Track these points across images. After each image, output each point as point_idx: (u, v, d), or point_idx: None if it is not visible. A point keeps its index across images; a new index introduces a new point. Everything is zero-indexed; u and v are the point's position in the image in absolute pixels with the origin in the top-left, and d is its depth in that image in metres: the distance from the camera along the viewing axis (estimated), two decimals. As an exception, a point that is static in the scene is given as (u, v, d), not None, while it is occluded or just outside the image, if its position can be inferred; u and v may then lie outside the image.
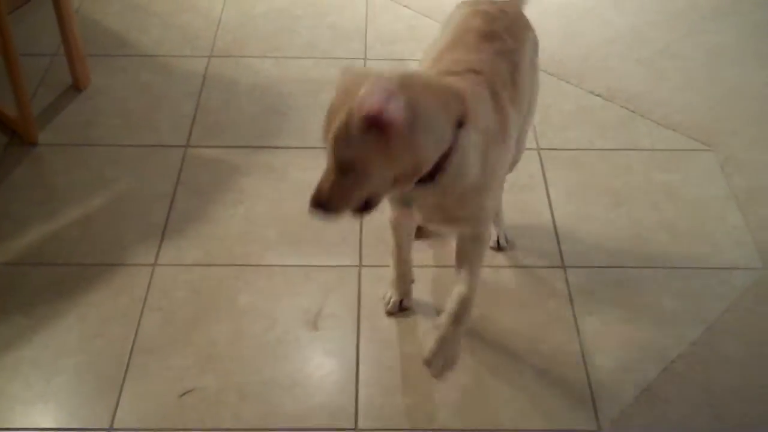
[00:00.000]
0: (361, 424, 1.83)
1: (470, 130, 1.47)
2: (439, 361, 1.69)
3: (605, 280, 2.17)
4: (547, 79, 2.69)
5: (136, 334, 2.00)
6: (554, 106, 2.70)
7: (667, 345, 2.02)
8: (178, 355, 1.96)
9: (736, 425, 1.86)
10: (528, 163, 2.44)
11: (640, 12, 3.16)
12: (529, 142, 2.41)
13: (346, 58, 2.89)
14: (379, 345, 2.00)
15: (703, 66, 2.92)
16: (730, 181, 2.45)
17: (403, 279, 2.05)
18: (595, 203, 2.38)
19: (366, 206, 1.45)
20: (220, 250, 2.22)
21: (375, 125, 1.32)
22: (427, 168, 1.43)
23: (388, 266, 2.04)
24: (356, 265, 2.18)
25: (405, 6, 3.15)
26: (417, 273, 2.09)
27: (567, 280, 2.16)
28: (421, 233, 2.16)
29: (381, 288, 2.09)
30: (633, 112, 2.70)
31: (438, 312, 1.88)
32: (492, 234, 2.17)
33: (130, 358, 1.95)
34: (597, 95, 2.76)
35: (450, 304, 1.71)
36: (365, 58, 2.90)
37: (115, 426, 1.81)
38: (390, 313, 2.06)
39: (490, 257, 2.17)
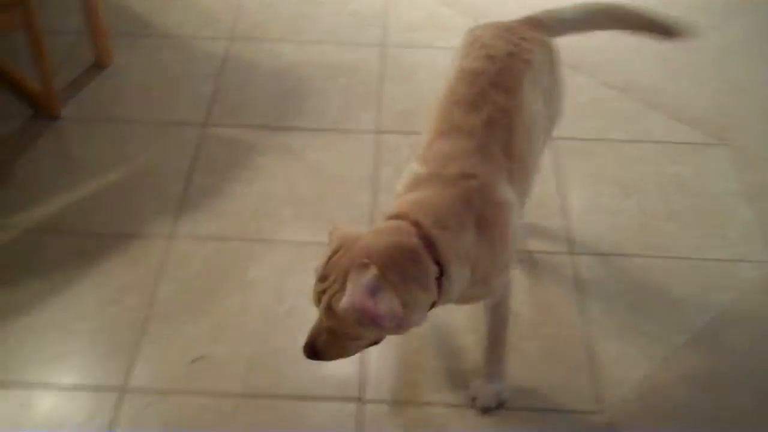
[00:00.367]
0: (367, 395, 1.87)
1: (452, 273, 1.44)
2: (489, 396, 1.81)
3: (613, 268, 2.19)
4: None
5: (150, 302, 2.05)
6: (568, 97, 2.70)
7: (671, 334, 2.04)
8: (190, 324, 2.01)
9: (739, 415, 1.88)
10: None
11: (657, 5, 3.17)
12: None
13: (366, 44, 2.93)
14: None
15: (717, 61, 2.94)
16: (741, 176, 2.47)
17: None
18: (605, 193, 2.40)
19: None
20: (235, 225, 2.26)
21: (365, 320, 1.35)
22: (417, 324, 1.45)
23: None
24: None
25: (425, -5, 3.20)
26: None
27: (574, 267, 2.19)
28: None
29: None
30: (647, 104, 2.72)
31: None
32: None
33: (144, 324, 2.00)
34: (612, 87, 2.78)
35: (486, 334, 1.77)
36: (384, 45, 2.94)
37: (129, 385, 1.86)
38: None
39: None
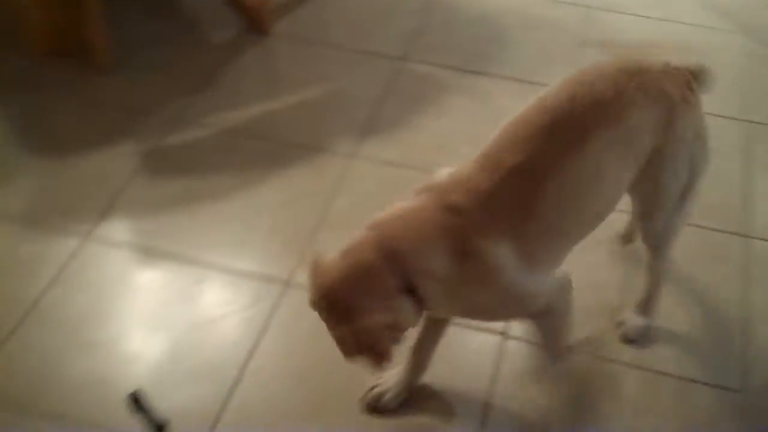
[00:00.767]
0: (511, 333, 1.89)
1: (426, 287, 1.38)
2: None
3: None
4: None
5: (323, 212, 2.16)
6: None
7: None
8: (356, 237, 2.10)
9: None
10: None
11: None
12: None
13: (572, 2, 2.89)
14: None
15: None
16: None
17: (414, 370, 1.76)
18: None
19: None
20: (412, 154, 2.33)
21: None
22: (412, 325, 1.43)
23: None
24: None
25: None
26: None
27: (746, 250, 2.10)
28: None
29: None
30: None
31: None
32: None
33: (314, 231, 2.11)
34: None
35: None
36: (589, 6, 2.89)
37: (293, 281, 1.99)
38: (373, 409, 1.73)
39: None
